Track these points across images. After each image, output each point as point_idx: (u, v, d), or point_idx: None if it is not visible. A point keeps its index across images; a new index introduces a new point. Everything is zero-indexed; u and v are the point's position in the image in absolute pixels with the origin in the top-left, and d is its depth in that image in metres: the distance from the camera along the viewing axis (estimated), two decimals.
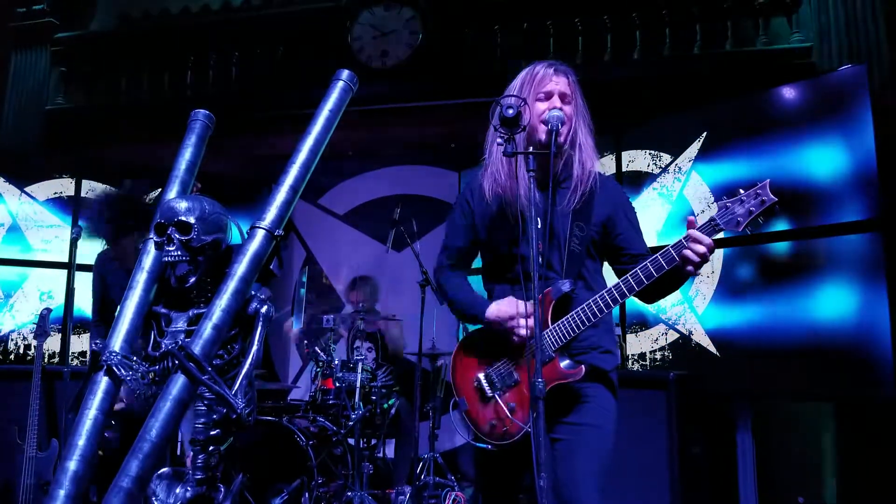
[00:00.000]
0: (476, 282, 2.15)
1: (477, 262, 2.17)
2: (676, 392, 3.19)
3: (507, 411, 1.88)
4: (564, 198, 1.93)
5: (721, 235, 1.80)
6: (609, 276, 2.05)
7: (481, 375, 1.96)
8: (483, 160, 2.04)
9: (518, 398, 1.89)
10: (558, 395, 1.83)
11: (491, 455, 1.96)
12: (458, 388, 2.01)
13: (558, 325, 1.85)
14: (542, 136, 1.88)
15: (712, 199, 3.77)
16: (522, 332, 1.83)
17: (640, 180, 4.13)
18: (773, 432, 3.83)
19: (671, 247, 1.76)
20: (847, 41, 4.00)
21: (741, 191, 1.74)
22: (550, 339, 1.85)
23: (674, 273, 1.78)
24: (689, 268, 1.75)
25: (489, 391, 1.94)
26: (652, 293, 1.91)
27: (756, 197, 1.71)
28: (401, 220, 4.41)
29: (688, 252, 1.73)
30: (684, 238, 1.74)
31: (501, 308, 1.89)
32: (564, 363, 1.84)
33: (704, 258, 1.73)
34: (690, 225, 1.75)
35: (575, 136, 1.93)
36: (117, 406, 2.43)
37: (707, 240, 1.73)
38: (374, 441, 4.16)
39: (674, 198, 3.96)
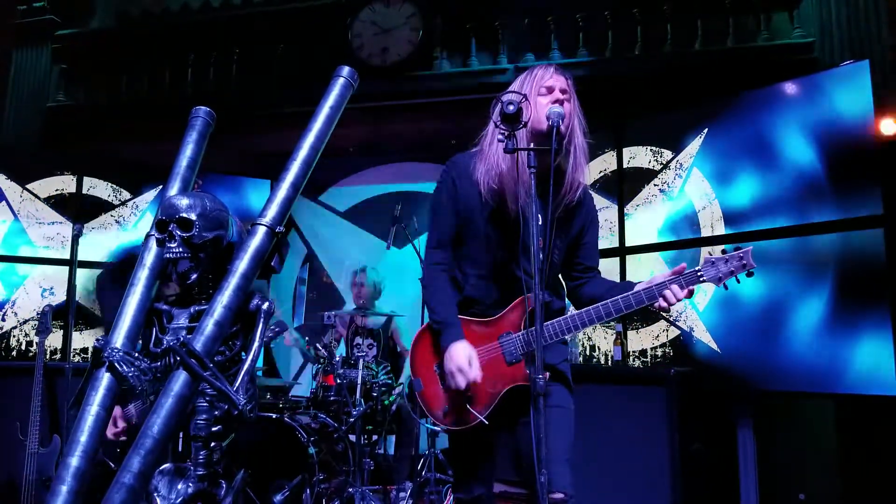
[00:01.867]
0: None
1: None
2: (677, 389, 3.20)
3: (463, 400, 1.92)
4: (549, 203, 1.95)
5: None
6: None
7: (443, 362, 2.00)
8: (473, 145, 2.05)
9: (476, 389, 1.92)
10: (519, 395, 1.90)
11: (462, 438, 2.00)
12: (416, 369, 2.06)
13: (529, 332, 1.90)
14: (544, 131, 1.88)
15: (713, 195, 3.77)
16: (451, 384, 1.90)
17: (641, 177, 4.13)
18: (775, 429, 3.83)
19: (655, 286, 1.91)
20: (848, 37, 3.99)
21: (725, 251, 1.95)
22: (521, 344, 1.93)
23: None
24: (662, 304, 1.91)
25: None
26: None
27: (739, 260, 1.92)
28: (402, 217, 4.41)
29: (668, 293, 1.90)
30: (667, 281, 1.90)
31: (461, 354, 1.90)
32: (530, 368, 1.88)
33: (678, 301, 1.92)
34: (677, 272, 1.92)
35: (571, 137, 1.94)
36: (122, 418, 2.36)
37: (686, 289, 1.91)
38: (374, 437, 4.17)
39: (675, 194, 3.96)
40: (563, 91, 1.94)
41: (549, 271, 1.96)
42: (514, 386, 1.91)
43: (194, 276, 1.71)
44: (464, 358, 1.89)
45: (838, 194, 3.31)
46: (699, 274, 1.91)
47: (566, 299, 2.18)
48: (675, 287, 1.89)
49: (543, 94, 1.93)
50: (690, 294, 1.92)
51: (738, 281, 1.94)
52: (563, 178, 1.93)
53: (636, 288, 1.94)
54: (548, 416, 1.87)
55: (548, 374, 1.87)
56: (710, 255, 1.95)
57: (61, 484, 1.44)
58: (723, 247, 1.99)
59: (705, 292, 3.77)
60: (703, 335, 3.75)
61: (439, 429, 2.00)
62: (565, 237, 2.01)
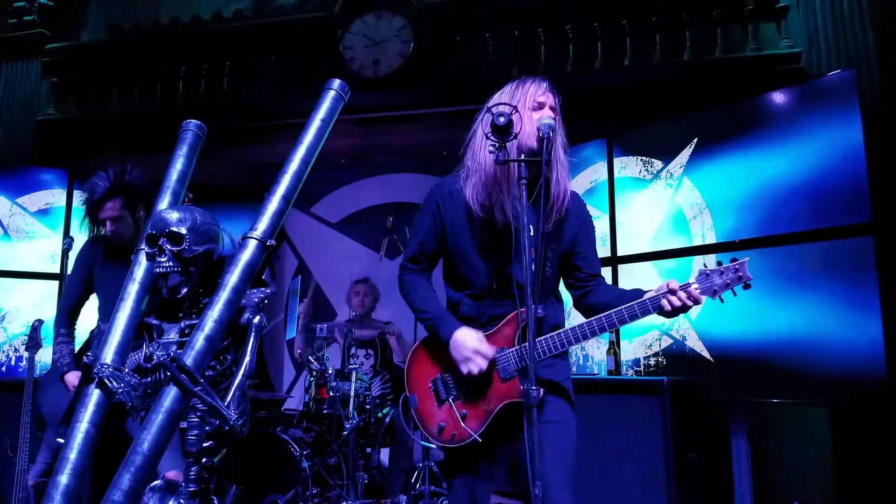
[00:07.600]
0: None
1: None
2: (671, 397, 3.19)
3: (458, 417, 1.91)
4: (540, 215, 1.95)
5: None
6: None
7: (437, 378, 2.00)
8: (459, 168, 2.05)
9: (471, 406, 1.92)
10: (515, 411, 1.84)
11: (458, 454, 1.98)
12: (412, 385, 2.04)
13: (523, 348, 1.87)
14: (535, 144, 1.89)
15: (704, 204, 3.79)
16: (474, 369, 1.87)
17: (631, 187, 4.14)
18: (768, 437, 3.83)
19: (648, 299, 1.85)
20: (836, 46, 4.02)
21: (721, 263, 1.87)
22: (515, 360, 1.89)
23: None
24: (667, 308, 1.83)
25: (444, 394, 1.98)
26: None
27: (735, 272, 1.86)
28: (394, 228, 4.41)
29: (664, 302, 1.83)
30: (667, 285, 1.83)
31: (469, 337, 1.89)
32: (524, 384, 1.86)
33: (676, 311, 1.83)
34: (669, 285, 1.84)
35: (555, 151, 1.95)
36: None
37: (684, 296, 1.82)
38: (368, 450, 4.14)
39: (665, 204, 3.97)
40: (552, 108, 1.96)
41: (542, 285, 1.94)
42: (508, 402, 1.88)
43: (184, 291, 1.70)
44: (475, 340, 1.88)
45: (827, 202, 3.33)
46: (694, 287, 1.85)
47: (566, 312, 2.15)
48: (669, 295, 1.82)
49: (535, 108, 1.94)
50: (695, 302, 1.85)
51: (735, 294, 1.86)
52: (549, 194, 1.94)
53: (644, 297, 1.87)
54: (545, 433, 1.84)
55: (542, 390, 1.85)
56: (705, 266, 1.87)
57: (50, 502, 1.42)
58: (717, 258, 1.90)
59: None
60: (695, 344, 3.76)
61: (433, 445, 1.98)
62: (556, 248, 1.99)
